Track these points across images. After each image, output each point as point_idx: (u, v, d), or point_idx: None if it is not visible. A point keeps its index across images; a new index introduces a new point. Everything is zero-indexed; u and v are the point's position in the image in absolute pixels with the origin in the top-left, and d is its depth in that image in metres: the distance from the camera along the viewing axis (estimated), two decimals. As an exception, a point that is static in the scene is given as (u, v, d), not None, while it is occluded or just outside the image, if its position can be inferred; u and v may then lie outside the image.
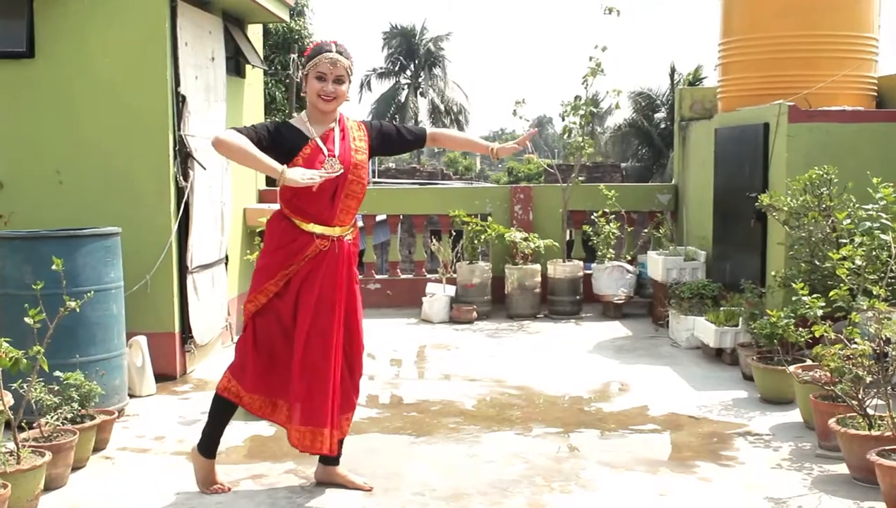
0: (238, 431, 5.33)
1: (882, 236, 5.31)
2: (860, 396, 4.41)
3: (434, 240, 9.86)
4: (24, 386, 4.32)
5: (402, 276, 9.85)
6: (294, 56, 10.69)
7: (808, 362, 5.34)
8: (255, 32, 8.78)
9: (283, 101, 11.90)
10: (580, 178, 9.44)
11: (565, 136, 9.63)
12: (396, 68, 50.88)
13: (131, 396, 5.91)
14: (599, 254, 9.15)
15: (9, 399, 4.28)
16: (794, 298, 5.38)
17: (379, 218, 10.87)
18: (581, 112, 9.25)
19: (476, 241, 9.13)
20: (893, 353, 4.41)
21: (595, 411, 5.74)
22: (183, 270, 6.55)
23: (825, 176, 5.92)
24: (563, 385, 6.35)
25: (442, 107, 49.52)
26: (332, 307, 4.16)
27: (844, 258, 5.18)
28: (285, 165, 3.97)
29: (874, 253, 5.28)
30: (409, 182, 30.14)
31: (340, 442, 4.37)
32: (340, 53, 4.09)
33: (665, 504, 4.17)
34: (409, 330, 8.44)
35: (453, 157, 50.56)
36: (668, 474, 4.55)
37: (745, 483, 4.39)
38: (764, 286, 6.72)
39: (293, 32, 12.56)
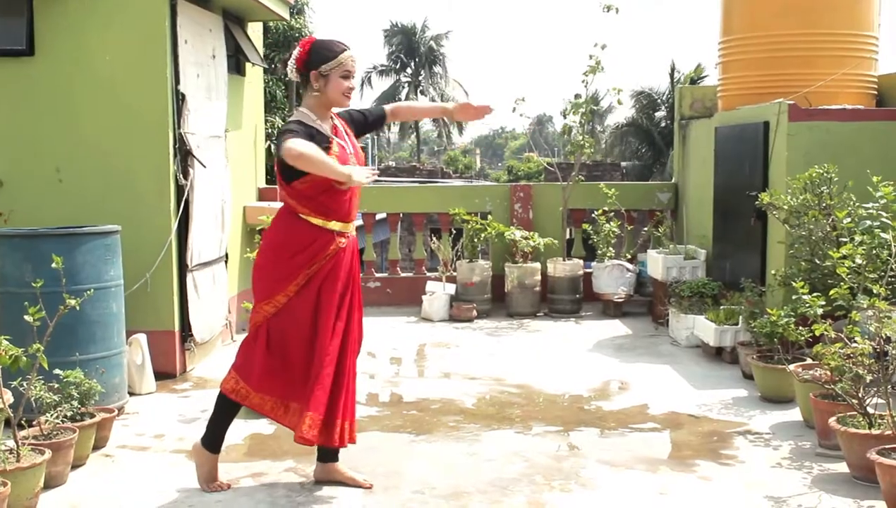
0: (238, 429, 5.33)
1: (882, 235, 5.31)
2: (860, 395, 4.41)
3: (434, 239, 9.86)
4: (24, 383, 4.32)
5: (402, 275, 9.85)
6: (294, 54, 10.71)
7: (809, 361, 5.34)
8: (255, 30, 8.78)
9: (283, 100, 11.90)
10: (580, 177, 9.44)
11: (565, 135, 9.63)
12: (397, 66, 50.88)
13: (131, 394, 5.91)
14: (599, 252, 9.15)
15: (8, 397, 4.28)
16: (794, 297, 5.38)
17: (379, 216, 10.87)
18: (582, 110, 9.25)
19: (476, 240, 9.13)
20: (894, 352, 4.41)
21: (595, 409, 5.74)
22: (183, 268, 6.55)
23: (825, 174, 5.92)
24: (562, 383, 6.35)
25: (442, 105, 49.46)
26: (351, 302, 4.25)
27: (845, 257, 5.18)
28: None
29: (874, 251, 5.27)
30: (409, 180, 30.12)
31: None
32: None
33: (665, 503, 4.17)
34: (409, 329, 8.44)
35: (453, 155, 50.59)
36: (668, 473, 4.55)
37: (745, 482, 4.39)
38: (764, 285, 6.72)
39: (293, 30, 12.56)
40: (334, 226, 4.16)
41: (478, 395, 6.10)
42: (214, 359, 7.10)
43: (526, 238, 9.01)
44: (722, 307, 7.01)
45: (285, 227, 4.20)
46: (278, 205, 4.40)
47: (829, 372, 4.64)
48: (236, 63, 8.11)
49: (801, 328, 5.24)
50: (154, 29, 6.31)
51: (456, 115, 4.66)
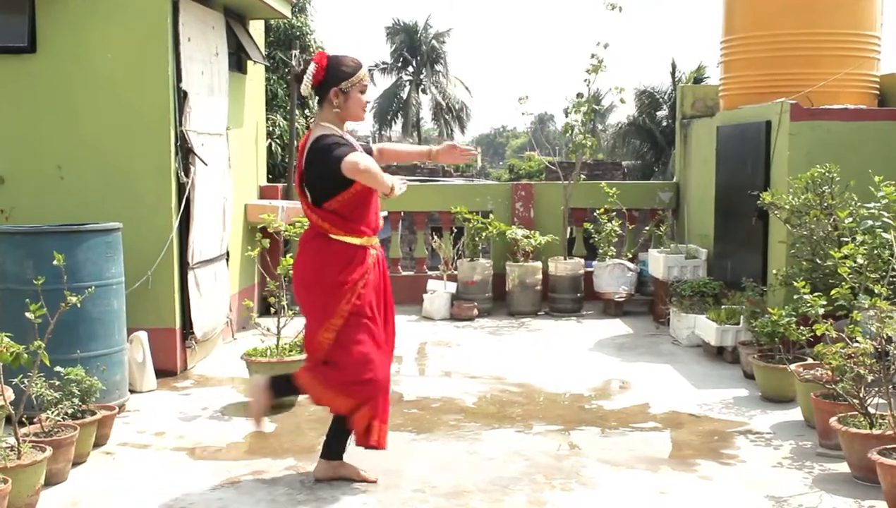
0: (238, 427, 5.34)
1: (884, 234, 5.30)
2: (861, 395, 4.40)
3: (435, 237, 9.86)
4: (25, 381, 4.32)
5: (403, 273, 9.85)
6: (296, 52, 10.68)
7: (810, 360, 5.33)
8: (256, 28, 8.78)
9: (284, 98, 11.88)
10: (582, 176, 9.43)
11: (567, 134, 9.63)
12: (399, 64, 50.84)
13: (132, 392, 5.91)
14: (600, 251, 9.15)
15: (10, 394, 4.29)
16: (795, 296, 5.37)
17: (380, 214, 10.84)
18: (584, 109, 9.25)
19: (477, 238, 9.13)
20: (895, 352, 4.41)
21: (596, 409, 5.74)
22: (184, 266, 6.55)
23: (827, 174, 5.91)
24: (563, 382, 6.35)
25: (443, 103, 49.50)
26: (386, 310, 4.39)
27: (846, 256, 5.17)
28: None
29: (876, 251, 5.27)
30: (411, 179, 30.05)
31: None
32: None
33: (665, 503, 4.17)
34: (410, 327, 8.43)
35: (454, 154, 50.48)
36: (669, 472, 4.54)
37: (746, 482, 4.39)
38: (765, 284, 6.72)
39: (295, 29, 12.53)
40: (365, 241, 4.28)
41: (478, 394, 6.09)
42: (215, 357, 7.10)
43: (527, 237, 9.01)
44: (723, 306, 7.01)
45: (320, 247, 4.25)
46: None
47: (830, 372, 4.64)
48: (238, 61, 8.12)
49: (802, 328, 5.24)
50: (155, 26, 6.30)
51: (440, 158, 4.73)
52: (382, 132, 48.92)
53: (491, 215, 9.45)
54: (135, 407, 5.74)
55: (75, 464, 4.57)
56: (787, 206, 6.06)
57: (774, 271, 6.35)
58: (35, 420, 4.46)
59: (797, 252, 6.11)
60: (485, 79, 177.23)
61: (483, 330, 8.37)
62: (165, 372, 6.44)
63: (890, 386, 4.31)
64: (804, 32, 7.30)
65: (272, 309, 6.81)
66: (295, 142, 10.29)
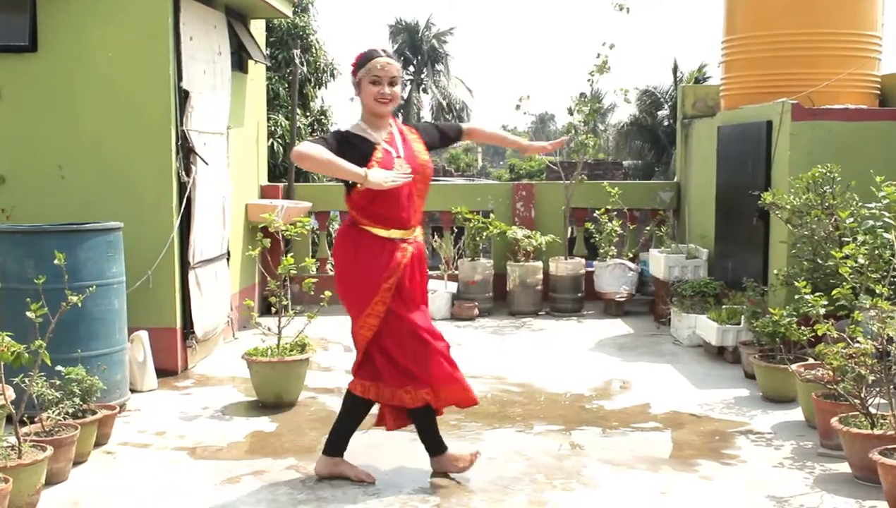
0: (239, 427, 5.34)
1: (885, 235, 5.30)
2: (862, 395, 4.40)
3: (436, 237, 9.86)
4: (26, 380, 4.32)
5: (404, 273, 9.82)
6: (297, 52, 10.69)
7: (811, 360, 5.33)
8: (258, 28, 8.78)
9: (285, 97, 11.89)
10: (583, 176, 9.43)
11: (570, 133, 9.62)
12: (401, 63, 50.84)
13: (132, 391, 5.91)
14: (601, 251, 9.15)
15: (10, 393, 4.29)
16: (796, 296, 5.37)
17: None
18: (586, 109, 9.25)
19: (478, 238, 9.13)
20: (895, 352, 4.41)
21: (596, 409, 5.73)
22: (185, 265, 6.55)
23: (828, 174, 5.91)
24: (564, 382, 6.34)
25: (444, 103, 49.49)
26: (420, 307, 4.37)
27: (847, 256, 5.17)
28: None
29: (877, 251, 5.26)
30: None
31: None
32: (390, 57, 4.26)
33: (666, 503, 4.17)
34: (411, 327, 8.42)
35: (455, 154, 50.53)
36: (670, 472, 4.54)
37: (747, 482, 4.39)
38: (766, 284, 6.71)
39: (297, 28, 12.55)
40: (395, 234, 4.26)
41: (479, 394, 6.05)
42: (216, 357, 7.10)
43: (528, 236, 9.00)
44: (724, 306, 7.00)
45: (351, 238, 4.28)
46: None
47: (831, 372, 4.64)
48: (239, 60, 8.11)
49: (803, 328, 5.23)
50: (156, 26, 6.30)
51: (531, 151, 4.86)
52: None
53: (492, 215, 9.44)
54: (135, 407, 5.74)
55: (76, 464, 4.56)
56: (788, 206, 6.06)
57: (775, 271, 6.35)
58: (36, 419, 4.45)
59: (798, 252, 6.11)
60: (486, 78, 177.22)
61: (484, 329, 8.37)
62: (166, 371, 6.44)
63: (891, 387, 4.31)
64: (805, 32, 7.29)
65: (273, 309, 6.81)
66: (296, 142, 10.29)
